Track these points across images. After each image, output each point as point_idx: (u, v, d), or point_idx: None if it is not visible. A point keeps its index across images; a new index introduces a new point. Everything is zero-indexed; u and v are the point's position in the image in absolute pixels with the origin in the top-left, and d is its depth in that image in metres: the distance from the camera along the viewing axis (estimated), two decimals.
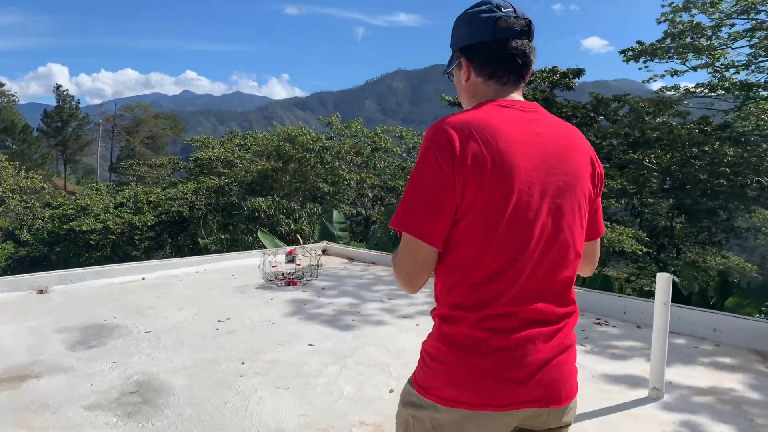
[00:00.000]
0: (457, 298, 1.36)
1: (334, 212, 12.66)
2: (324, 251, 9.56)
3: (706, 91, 17.82)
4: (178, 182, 24.71)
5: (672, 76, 18.54)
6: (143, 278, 7.48)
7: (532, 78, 13.85)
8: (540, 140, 1.38)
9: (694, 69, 18.21)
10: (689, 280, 12.63)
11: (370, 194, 18.31)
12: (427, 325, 1.52)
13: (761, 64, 17.27)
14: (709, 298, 12.32)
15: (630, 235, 17.42)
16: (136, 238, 20.87)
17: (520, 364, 1.33)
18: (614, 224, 19.51)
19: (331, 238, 11.72)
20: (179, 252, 21.24)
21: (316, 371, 4.19)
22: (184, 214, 21.12)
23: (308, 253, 7.84)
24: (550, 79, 13.51)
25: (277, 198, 13.18)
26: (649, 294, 11.93)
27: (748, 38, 16.74)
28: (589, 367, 4.37)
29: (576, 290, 6.26)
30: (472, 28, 1.45)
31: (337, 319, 5.65)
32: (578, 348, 4.11)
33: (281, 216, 12.22)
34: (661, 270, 22.86)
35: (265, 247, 11.47)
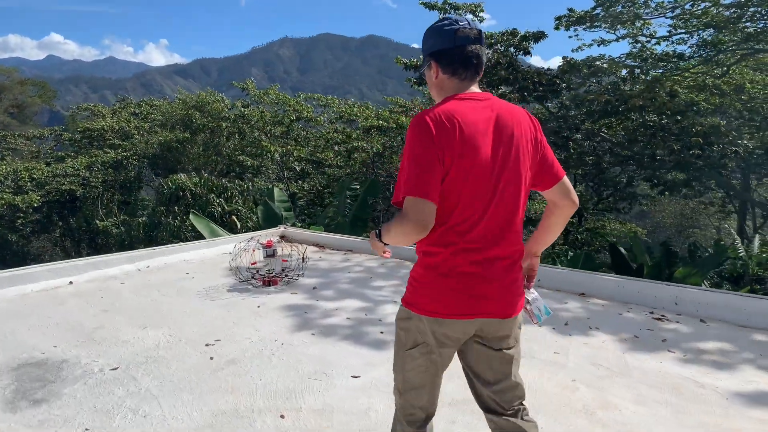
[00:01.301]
0: (433, 238, 1.86)
1: (275, 189, 11.21)
2: (283, 237, 8.20)
3: (629, 61, 17.97)
4: (66, 156, 21.60)
5: (598, 45, 18.54)
6: (71, 282, 5.82)
7: (492, 40, 13.02)
8: (492, 121, 1.88)
9: (619, 39, 18.28)
10: (638, 250, 12.53)
11: (297, 168, 16.81)
12: None
13: (682, 36, 17.61)
14: (663, 269, 12.33)
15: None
16: (18, 222, 17.93)
17: (482, 286, 1.87)
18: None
19: (276, 220, 10.31)
20: (71, 237, 18.60)
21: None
22: (77, 192, 18.41)
23: (282, 244, 6.50)
24: (509, 41, 12.72)
25: (206, 174, 11.44)
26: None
27: (671, 9, 16.95)
28: (709, 385, 3.53)
29: (612, 278, 5.25)
30: (438, 38, 1.94)
31: (360, 332, 4.46)
32: (668, 355, 4.01)
33: (212, 195, 10.60)
34: (568, 238, 23.40)
35: (199, 234, 9.88)
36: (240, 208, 10.69)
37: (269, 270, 5.94)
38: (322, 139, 19.80)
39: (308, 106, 18.85)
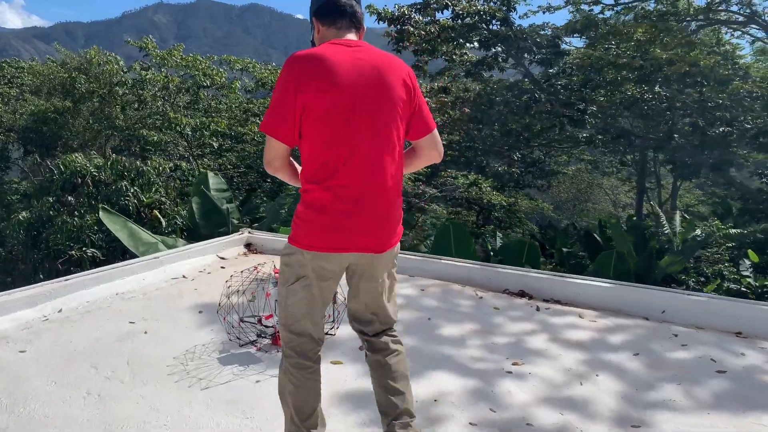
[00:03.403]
0: (308, 175, 2.00)
1: (209, 175, 8.70)
2: (249, 247, 5.91)
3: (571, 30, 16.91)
4: None
5: (544, 12, 17.30)
6: None
7: None
8: (359, 63, 1.98)
9: (563, 6, 17.12)
10: (619, 239, 11.35)
11: (215, 144, 14.07)
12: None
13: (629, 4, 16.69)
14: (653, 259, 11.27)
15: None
16: None
17: (354, 221, 1.97)
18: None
19: (219, 216, 7.90)
20: None
21: None
22: None
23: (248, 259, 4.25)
24: None
25: (110, 153, 8.61)
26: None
27: None
28: None
29: (678, 294, 4.40)
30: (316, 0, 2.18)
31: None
32: None
33: (124, 183, 7.88)
34: (489, 217, 22.48)
35: (110, 236, 7.30)
36: (163, 199, 8.14)
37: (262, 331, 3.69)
38: (239, 110, 17.08)
39: (221, 70, 16.02)
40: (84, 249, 7.63)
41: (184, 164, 12.60)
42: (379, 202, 2.01)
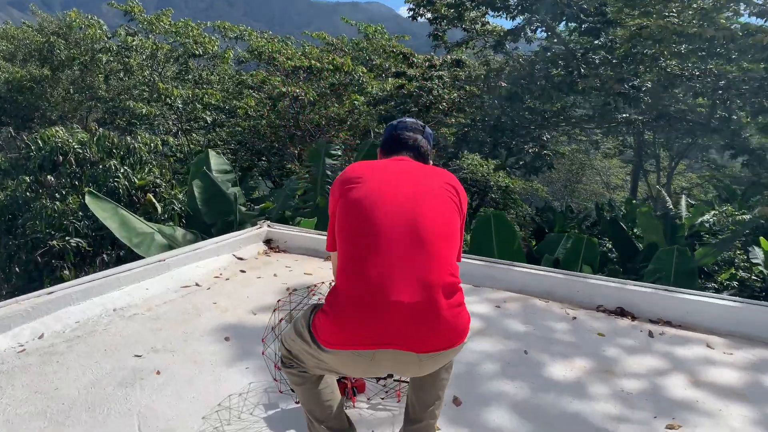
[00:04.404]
0: None
1: (211, 154, 7.65)
2: (269, 244, 4.93)
3: None
4: None
5: None
6: None
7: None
8: (399, 166, 2.04)
9: None
10: (649, 226, 10.52)
11: (208, 119, 12.91)
12: None
13: None
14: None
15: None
16: None
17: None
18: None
19: (225, 202, 6.90)
20: None
21: None
22: None
23: (269, 260, 3.35)
24: None
25: (95, 127, 7.48)
26: None
27: None
28: None
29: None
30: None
31: None
32: None
33: (113, 162, 6.79)
34: (485, 198, 21.68)
35: (97, 223, 6.32)
36: (158, 180, 7.10)
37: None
38: (231, 82, 15.89)
39: (213, 38, 14.78)
40: (67, 238, 6.59)
41: (171, 139, 11.48)
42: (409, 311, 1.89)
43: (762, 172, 10.49)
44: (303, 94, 12.89)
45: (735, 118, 9.85)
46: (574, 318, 3.64)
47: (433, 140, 2.33)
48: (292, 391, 2.62)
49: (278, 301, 2.72)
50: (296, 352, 1.99)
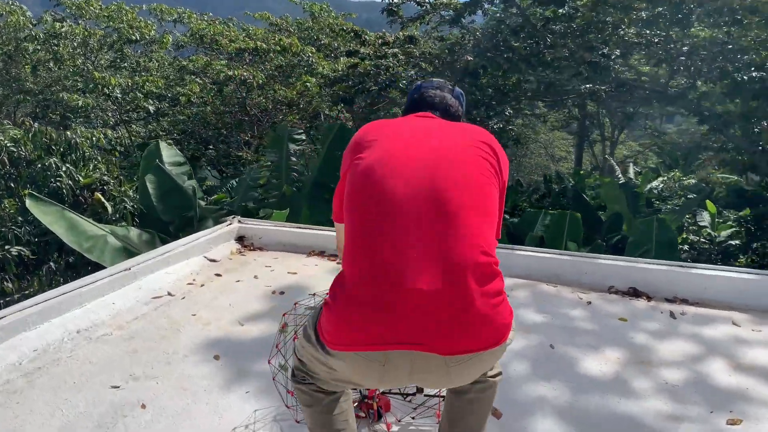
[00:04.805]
0: None
1: (162, 146, 7.06)
2: (241, 241, 4.49)
3: None
4: None
5: None
6: None
7: None
8: (424, 125, 1.72)
9: None
10: (613, 197, 10.50)
11: (150, 108, 12.10)
12: None
13: None
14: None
15: None
16: None
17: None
18: None
19: (182, 198, 6.38)
20: None
21: None
22: None
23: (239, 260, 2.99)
24: None
25: (29, 122, 6.72)
26: None
27: None
28: None
29: None
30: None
31: None
32: None
33: (52, 160, 6.10)
34: None
35: (40, 228, 5.74)
36: (106, 177, 6.45)
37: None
38: (172, 68, 15.03)
39: (149, 22, 13.86)
40: (6, 247, 5.92)
41: (109, 132, 10.71)
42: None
43: (730, 137, 10.64)
44: (251, 77, 12.26)
45: (699, 83, 9.92)
46: (589, 303, 3.40)
47: (465, 102, 1.96)
48: None
49: (284, 315, 2.34)
50: (306, 361, 1.67)
